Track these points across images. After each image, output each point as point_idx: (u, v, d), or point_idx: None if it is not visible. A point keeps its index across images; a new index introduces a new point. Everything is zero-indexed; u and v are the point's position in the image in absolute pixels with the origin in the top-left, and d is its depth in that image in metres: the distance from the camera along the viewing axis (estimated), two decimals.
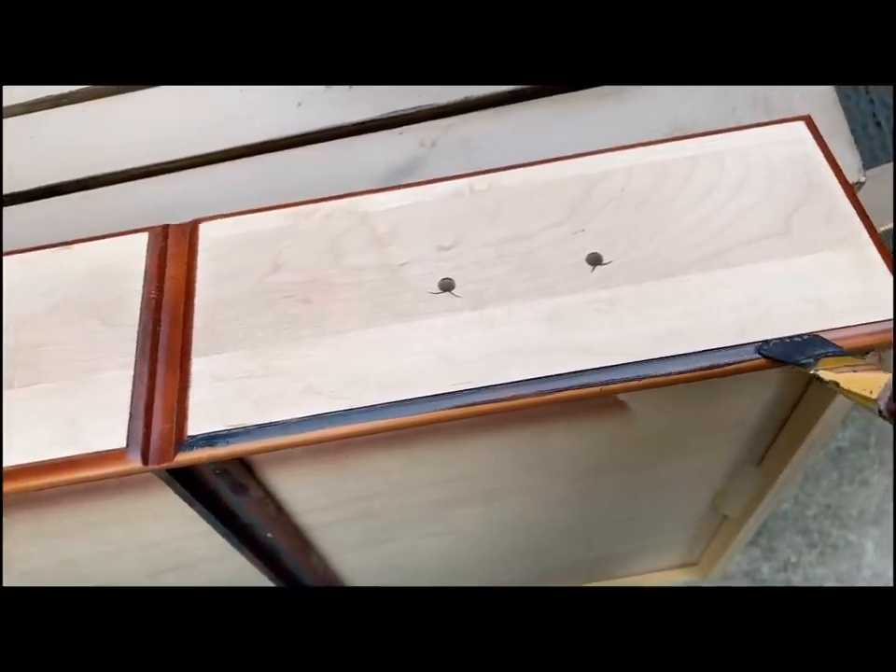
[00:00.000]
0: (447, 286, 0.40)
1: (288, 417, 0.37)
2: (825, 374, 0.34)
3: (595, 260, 0.40)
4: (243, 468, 0.44)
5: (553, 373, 0.37)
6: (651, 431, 0.48)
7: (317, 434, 0.36)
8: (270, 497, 0.48)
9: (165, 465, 0.37)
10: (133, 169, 0.52)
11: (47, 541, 0.50)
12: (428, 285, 0.40)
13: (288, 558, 0.58)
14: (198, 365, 0.39)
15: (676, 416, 0.47)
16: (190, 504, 0.44)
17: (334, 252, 0.42)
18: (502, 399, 0.37)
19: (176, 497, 0.44)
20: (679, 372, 0.37)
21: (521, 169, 0.44)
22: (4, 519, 0.46)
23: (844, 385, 0.33)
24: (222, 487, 0.45)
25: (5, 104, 0.53)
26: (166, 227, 0.45)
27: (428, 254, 0.41)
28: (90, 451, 0.37)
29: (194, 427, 0.37)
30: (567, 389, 0.36)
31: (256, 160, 0.51)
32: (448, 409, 0.36)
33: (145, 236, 0.44)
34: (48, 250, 0.44)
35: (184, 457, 0.37)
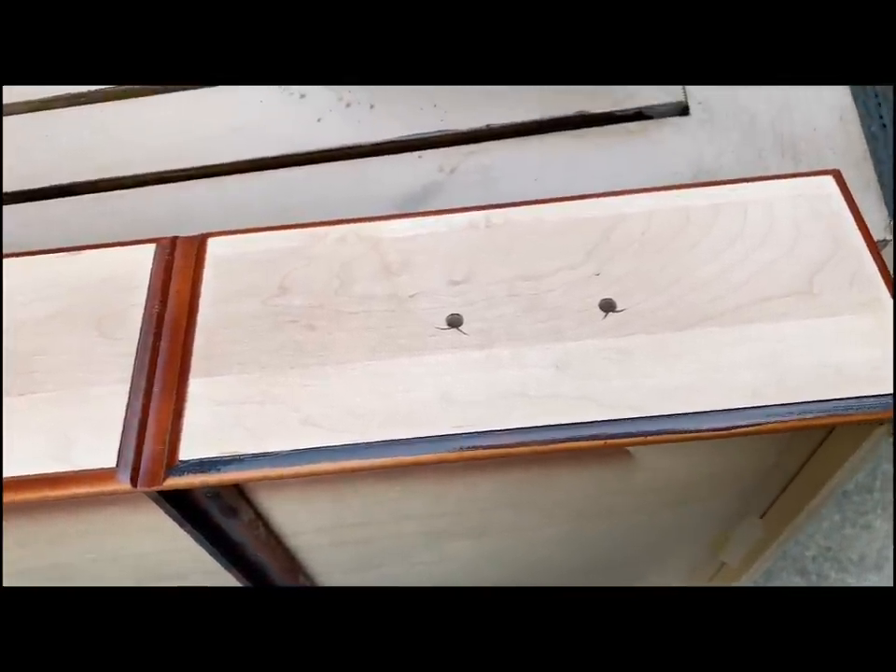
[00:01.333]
0: (455, 321, 0.39)
1: (284, 449, 0.36)
2: None
3: (608, 307, 0.39)
4: (235, 491, 0.43)
5: (557, 423, 0.36)
6: (653, 481, 0.47)
7: (312, 468, 0.35)
8: (261, 520, 0.47)
9: (154, 488, 0.36)
10: (147, 174, 0.51)
11: (38, 545, 0.49)
12: (437, 319, 0.39)
13: (277, 577, 0.57)
14: (195, 387, 0.38)
15: (680, 468, 0.46)
16: (180, 524, 0.43)
17: (343, 278, 0.41)
18: (503, 446, 0.35)
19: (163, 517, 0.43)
20: (689, 431, 0.36)
21: (539, 205, 0.43)
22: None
23: None
24: (212, 509, 0.44)
25: (19, 99, 0.53)
26: (174, 239, 0.44)
27: (439, 287, 0.40)
28: (79, 468, 0.36)
29: (186, 451, 0.36)
30: (570, 440, 0.35)
31: (271, 174, 0.51)
32: (447, 452, 0.35)
33: (152, 248, 0.44)
34: (52, 255, 0.44)
35: (173, 482, 0.36)
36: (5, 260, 0.43)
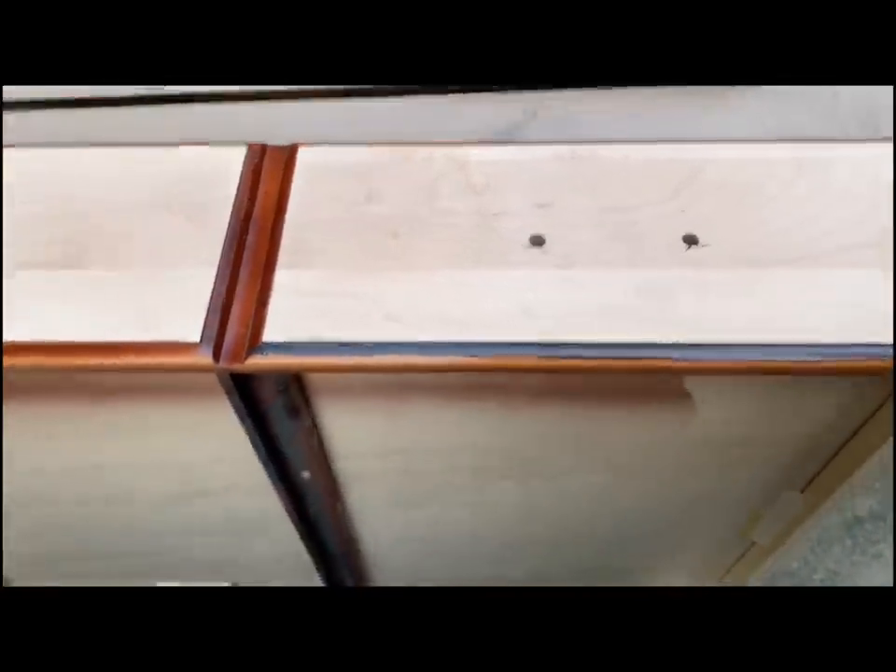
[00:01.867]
0: (538, 241, 0.40)
1: (366, 339, 0.37)
2: None
3: (691, 240, 0.40)
4: (300, 393, 0.44)
5: (634, 341, 0.36)
6: (707, 434, 0.48)
7: (393, 360, 0.36)
8: (317, 430, 0.48)
9: (236, 366, 0.37)
10: (241, 91, 0.52)
11: (88, 439, 0.50)
12: (520, 237, 0.40)
13: (316, 504, 0.57)
14: (281, 277, 0.39)
15: (736, 423, 0.46)
16: (242, 419, 0.44)
17: (429, 193, 0.42)
18: (580, 357, 0.36)
19: (231, 412, 0.44)
20: (759, 361, 0.36)
21: (627, 144, 0.44)
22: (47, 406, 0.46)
23: None
24: (277, 409, 0.45)
25: None
26: (264, 146, 0.45)
27: (523, 209, 0.41)
28: (164, 339, 0.37)
29: (270, 334, 0.37)
30: (644, 359, 0.36)
31: (361, 101, 0.52)
32: (525, 357, 0.36)
33: (243, 149, 0.45)
34: (150, 148, 0.45)
35: (255, 361, 0.37)
36: (108, 149, 0.44)
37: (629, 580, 0.79)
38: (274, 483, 0.52)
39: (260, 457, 0.49)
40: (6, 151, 0.44)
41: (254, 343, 0.37)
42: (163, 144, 0.45)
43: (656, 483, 0.55)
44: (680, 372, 0.37)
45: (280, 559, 0.69)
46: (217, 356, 0.37)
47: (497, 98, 0.52)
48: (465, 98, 0.52)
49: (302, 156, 0.44)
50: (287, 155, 0.44)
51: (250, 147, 0.45)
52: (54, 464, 0.54)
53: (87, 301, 0.38)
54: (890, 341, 0.36)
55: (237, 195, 0.42)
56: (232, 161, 0.44)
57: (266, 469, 0.50)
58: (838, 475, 0.53)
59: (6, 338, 0.37)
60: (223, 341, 0.38)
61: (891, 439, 0.48)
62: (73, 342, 0.37)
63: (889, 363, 0.36)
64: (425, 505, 0.59)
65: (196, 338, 0.37)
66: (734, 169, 0.42)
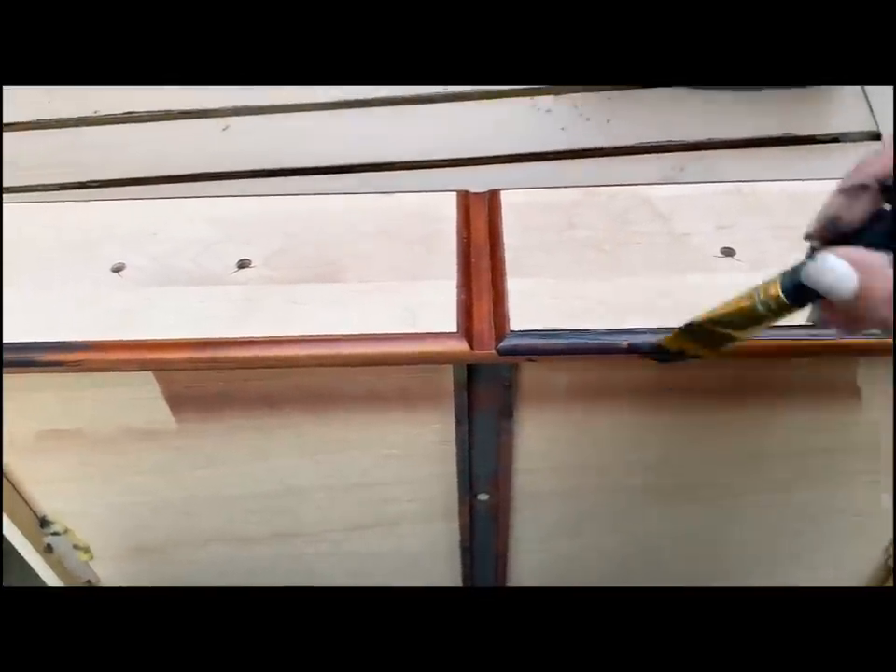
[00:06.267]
0: (729, 252, 0.47)
1: (598, 327, 0.43)
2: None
3: None
4: (514, 394, 0.49)
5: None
6: (866, 434, 0.53)
7: (626, 342, 0.42)
8: (513, 439, 0.53)
9: (488, 351, 0.43)
10: (420, 161, 0.61)
11: (296, 457, 0.55)
12: (712, 250, 0.47)
13: (483, 530, 0.61)
14: (511, 285, 0.46)
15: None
16: (460, 421, 0.50)
17: (622, 220, 0.50)
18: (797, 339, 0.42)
19: (439, 422, 0.50)
20: None
21: (780, 182, 0.52)
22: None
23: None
24: (488, 416, 0.50)
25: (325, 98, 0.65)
26: (467, 192, 0.53)
27: (708, 229, 0.48)
28: (427, 331, 0.43)
29: (512, 325, 0.44)
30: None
31: (527, 166, 0.60)
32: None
33: (452, 193, 0.53)
34: (367, 195, 0.53)
35: (506, 343, 0.43)
36: (351, 197, 0.52)
37: None
38: (460, 501, 0.57)
39: (459, 470, 0.54)
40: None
41: (500, 333, 0.44)
42: (384, 192, 0.53)
43: (813, 498, 0.59)
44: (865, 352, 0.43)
45: None
46: (471, 343, 0.43)
47: (648, 159, 0.60)
48: (620, 159, 0.61)
49: (504, 196, 0.52)
50: (489, 197, 0.52)
51: (457, 192, 0.53)
52: (245, 490, 0.59)
53: (351, 304, 0.45)
54: None
55: (456, 227, 0.50)
56: (444, 204, 0.52)
57: (459, 482, 0.55)
58: None
59: (278, 334, 0.44)
60: (473, 333, 0.44)
61: None
62: (346, 334, 0.44)
63: None
64: (579, 533, 0.63)
65: (454, 328, 0.44)
66: None
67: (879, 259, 0.28)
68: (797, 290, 0.31)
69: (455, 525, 0.61)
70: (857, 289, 0.28)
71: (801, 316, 0.34)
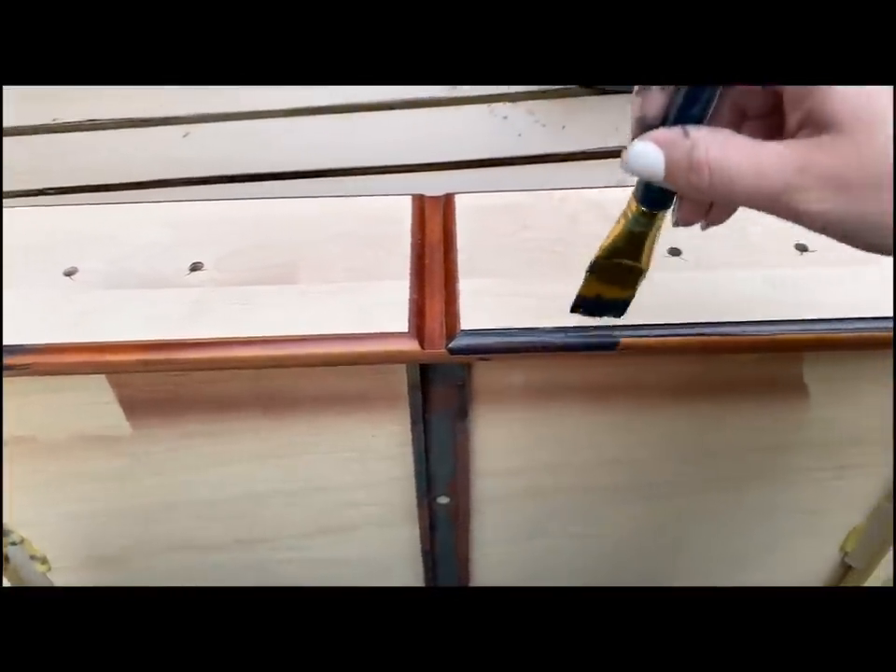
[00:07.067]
0: (675, 252, 0.48)
1: (548, 325, 0.44)
2: None
3: (803, 248, 0.48)
4: (468, 394, 0.50)
5: (788, 318, 0.44)
6: (816, 430, 0.54)
7: (574, 340, 0.43)
8: (470, 440, 0.53)
9: (439, 350, 0.44)
10: (379, 167, 0.62)
11: (250, 462, 0.55)
12: (662, 250, 0.48)
13: (444, 533, 0.61)
14: (464, 284, 0.46)
15: (847, 412, 0.52)
16: (415, 422, 0.50)
17: (573, 222, 0.50)
18: (732, 335, 0.43)
19: (395, 424, 0.50)
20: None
21: None
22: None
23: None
24: (444, 417, 0.50)
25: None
26: (422, 195, 0.54)
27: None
28: (379, 330, 0.44)
29: (462, 325, 0.44)
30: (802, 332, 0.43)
31: (482, 171, 0.61)
32: (690, 337, 0.43)
33: (408, 197, 0.53)
34: (324, 199, 0.53)
35: (457, 343, 0.43)
36: (308, 200, 0.52)
37: None
38: (419, 504, 0.57)
39: (416, 472, 0.54)
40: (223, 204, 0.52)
41: (451, 332, 0.44)
42: (341, 196, 0.53)
43: (766, 495, 0.59)
44: (835, 345, 0.44)
45: None
46: (422, 343, 0.44)
47: (596, 163, 0.62)
48: (570, 164, 0.62)
49: (458, 200, 0.53)
50: (444, 201, 0.53)
51: (413, 196, 0.53)
52: (201, 495, 0.59)
53: (304, 305, 0.45)
54: None
55: (411, 229, 0.50)
56: (400, 207, 0.52)
57: (417, 483, 0.55)
58: None
59: (229, 335, 0.44)
60: (424, 333, 0.45)
61: None
62: (296, 335, 0.44)
63: None
64: (540, 534, 0.63)
65: (405, 328, 0.44)
66: None
67: (677, 131, 0.31)
68: (647, 194, 0.34)
69: (417, 528, 0.61)
70: (665, 165, 0.31)
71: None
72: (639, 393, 0.51)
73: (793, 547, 0.67)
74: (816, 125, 0.29)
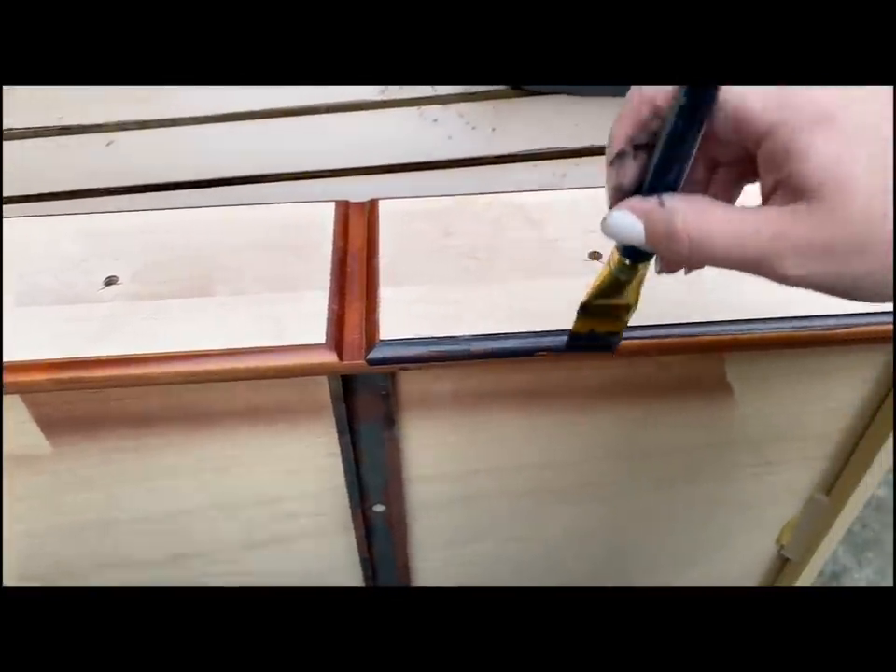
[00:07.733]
0: (595, 256, 0.48)
1: (465, 334, 0.43)
2: None
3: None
4: (395, 403, 0.49)
5: (677, 321, 0.44)
6: (743, 427, 0.54)
7: (492, 347, 0.43)
8: (400, 448, 0.53)
9: (358, 361, 0.43)
10: (307, 172, 0.61)
11: (172, 479, 0.54)
12: (580, 254, 0.48)
13: (382, 541, 0.61)
14: (385, 292, 0.46)
15: (771, 408, 0.53)
16: (341, 432, 0.49)
17: (496, 227, 0.50)
18: (663, 337, 0.43)
19: (322, 435, 0.50)
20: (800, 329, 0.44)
21: None
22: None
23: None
24: (372, 427, 0.50)
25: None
26: (347, 201, 0.53)
27: (577, 234, 0.49)
28: (293, 343, 0.43)
29: (384, 333, 0.44)
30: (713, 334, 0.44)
31: (412, 175, 0.61)
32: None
33: (331, 204, 0.52)
34: (244, 207, 0.52)
35: (373, 356, 0.43)
36: (228, 209, 0.51)
37: None
38: (353, 513, 0.57)
39: (348, 476, 0.53)
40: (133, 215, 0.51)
41: (370, 343, 0.44)
42: (262, 203, 0.52)
43: (702, 493, 0.60)
44: (743, 345, 0.44)
45: None
46: (340, 355, 0.43)
47: (529, 166, 0.61)
48: (502, 167, 0.62)
49: (383, 206, 0.52)
50: (369, 206, 0.52)
51: (336, 202, 0.53)
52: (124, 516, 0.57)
53: (220, 318, 0.45)
54: None
55: (333, 237, 0.50)
56: (322, 214, 0.52)
57: (349, 492, 0.55)
58: (856, 475, 0.59)
59: (147, 351, 0.43)
60: (343, 344, 0.44)
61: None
62: (210, 350, 0.43)
63: None
64: (480, 538, 0.63)
65: (322, 340, 0.43)
66: None
67: (653, 201, 0.31)
68: (628, 250, 0.34)
69: (353, 538, 0.61)
70: (644, 233, 0.31)
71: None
72: (568, 395, 0.51)
73: (734, 542, 0.68)
74: (791, 191, 0.29)
